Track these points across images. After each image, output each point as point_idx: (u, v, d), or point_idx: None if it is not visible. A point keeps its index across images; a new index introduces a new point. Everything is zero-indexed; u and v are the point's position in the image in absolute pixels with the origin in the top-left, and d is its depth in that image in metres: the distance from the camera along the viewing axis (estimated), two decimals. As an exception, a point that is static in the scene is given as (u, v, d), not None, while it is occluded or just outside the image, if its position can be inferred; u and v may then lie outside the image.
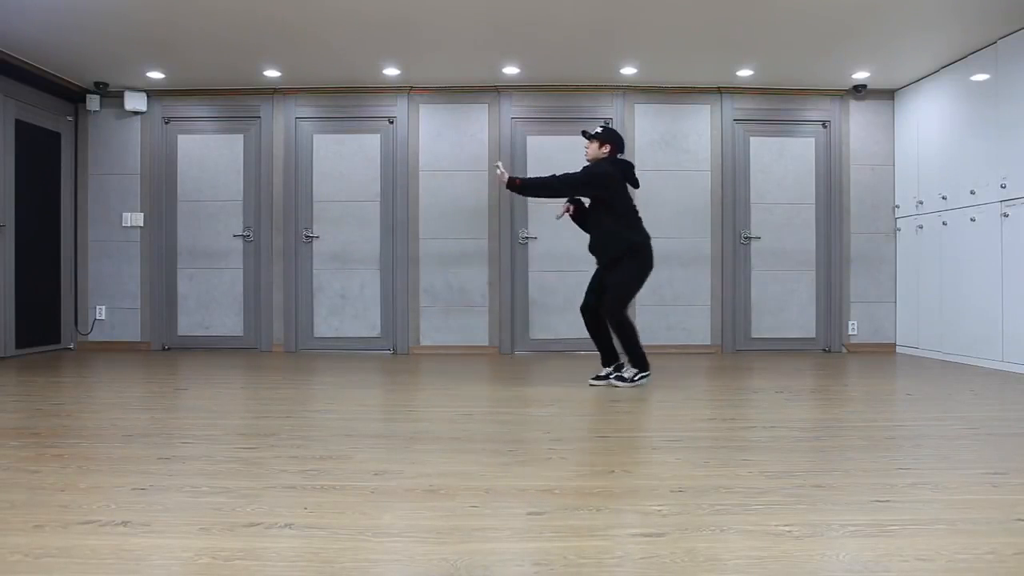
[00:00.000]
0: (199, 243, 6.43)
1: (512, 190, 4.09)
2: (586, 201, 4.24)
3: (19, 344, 5.76)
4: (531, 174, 6.34)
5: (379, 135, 6.39)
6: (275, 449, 2.54)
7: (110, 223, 6.43)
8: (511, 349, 6.31)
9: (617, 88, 6.31)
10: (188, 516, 1.81)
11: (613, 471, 2.26)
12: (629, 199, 4.14)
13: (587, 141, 4.21)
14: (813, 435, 2.82)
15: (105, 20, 4.76)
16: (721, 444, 2.65)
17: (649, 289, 6.27)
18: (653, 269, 4.18)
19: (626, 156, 6.26)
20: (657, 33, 5.04)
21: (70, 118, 6.36)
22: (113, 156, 6.44)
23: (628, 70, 5.88)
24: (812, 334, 6.39)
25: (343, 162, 6.40)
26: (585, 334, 6.30)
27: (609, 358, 4.27)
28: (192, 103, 6.41)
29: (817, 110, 6.39)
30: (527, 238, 6.34)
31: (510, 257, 6.31)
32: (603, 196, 4.07)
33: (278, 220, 6.36)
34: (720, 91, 6.32)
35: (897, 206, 6.34)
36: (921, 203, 5.96)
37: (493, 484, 2.10)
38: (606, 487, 2.07)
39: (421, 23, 4.85)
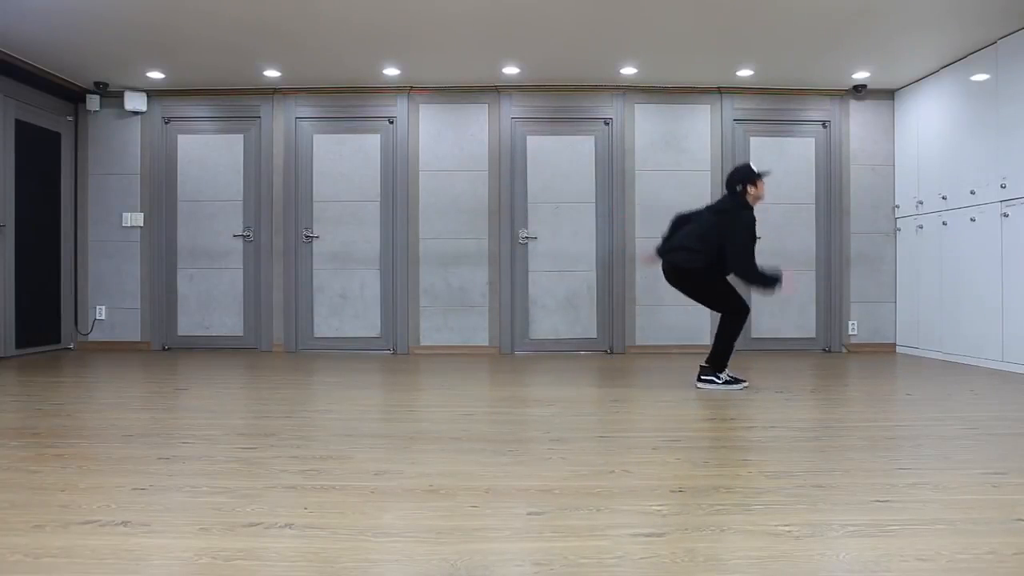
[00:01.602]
0: (199, 243, 6.43)
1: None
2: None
3: (19, 344, 5.76)
4: (531, 175, 6.35)
5: (379, 135, 6.39)
6: (275, 449, 2.54)
7: (110, 223, 6.43)
8: (511, 349, 6.31)
9: (617, 88, 6.31)
10: (188, 516, 1.81)
11: (613, 471, 2.26)
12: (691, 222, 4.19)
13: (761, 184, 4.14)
14: (813, 435, 2.82)
15: (105, 20, 4.76)
16: (721, 444, 2.65)
17: (649, 289, 6.27)
18: (663, 277, 4.25)
19: (625, 156, 6.29)
20: (657, 33, 5.04)
21: (70, 118, 6.36)
22: (113, 156, 6.44)
23: (628, 70, 5.88)
24: (812, 334, 6.39)
25: (343, 162, 6.40)
26: (584, 334, 6.36)
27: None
28: (192, 103, 6.41)
29: (817, 110, 6.39)
30: (527, 238, 6.34)
31: (510, 257, 6.31)
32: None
33: (278, 220, 6.36)
34: (720, 91, 6.32)
35: (897, 206, 6.34)
36: (921, 203, 5.96)
37: (493, 484, 2.10)
38: (606, 487, 2.07)
39: (421, 23, 4.85)
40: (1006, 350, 4.97)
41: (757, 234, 4.04)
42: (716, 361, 4.09)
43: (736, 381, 4.10)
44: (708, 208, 4.19)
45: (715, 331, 4.14)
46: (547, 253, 6.35)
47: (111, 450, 2.51)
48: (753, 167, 4.11)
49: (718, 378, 4.07)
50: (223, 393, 3.90)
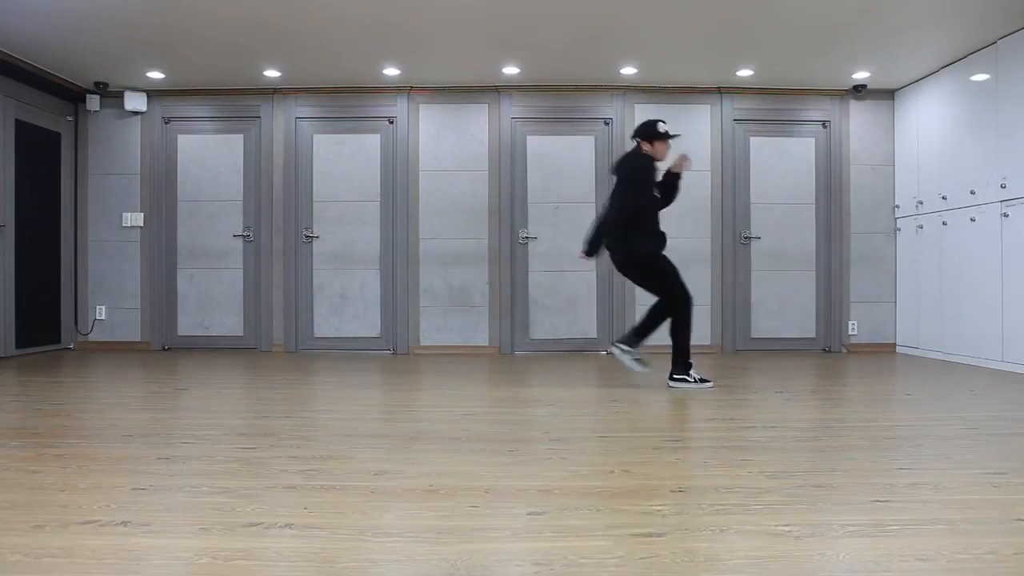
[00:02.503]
0: (199, 243, 6.43)
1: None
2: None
3: (19, 344, 5.76)
4: (531, 175, 6.35)
5: (379, 135, 6.39)
6: (275, 449, 2.54)
7: (110, 223, 6.43)
8: (511, 349, 6.31)
9: (617, 88, 6.31)
10: (188, 516, 1.81)
11: (613, 471, 2.26)
12: (617, 196, 4.09)
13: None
14: (813, 435, 2.82)
15: (105, 20, 4.76)
16: (721, 444, 2.65)
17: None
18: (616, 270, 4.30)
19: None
20: (657, 33, 5.04)
21: (70, 118, 6.36)
22: (113, 156, 6.44)
23: (628, 70, 5.88)
24: (812, 334, 6.39)
25: (343, 162, 6.39)
26: (584, 334, 6.36)
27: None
28: (192, 103, 6.41)
29: (817, 110, 6.39)
30: (527, 238, 6.34)
31: (510, 257, 6.31)
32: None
33: (278, 220, 6.36)
34: (720, 91, 6.32)
35: (897, 206, 6.34)
36: (921, 203, 5.96)
37: (493, 484, 2.10)
38: (606, 487, 2.07)
39: (421, 23, 4.85)
40: (1006, 350, 4.97)
41: (658, 179, 4.03)
42: (681, 359, 4.08)
43: (705, 380, 4.10)
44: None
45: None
46: (547, 253, 6.34)
47: (111, 450, 2.51)
48: (660, 127, 4.01)
49: (690, 376, 4.07)
50: (223, 393, 3.90)
